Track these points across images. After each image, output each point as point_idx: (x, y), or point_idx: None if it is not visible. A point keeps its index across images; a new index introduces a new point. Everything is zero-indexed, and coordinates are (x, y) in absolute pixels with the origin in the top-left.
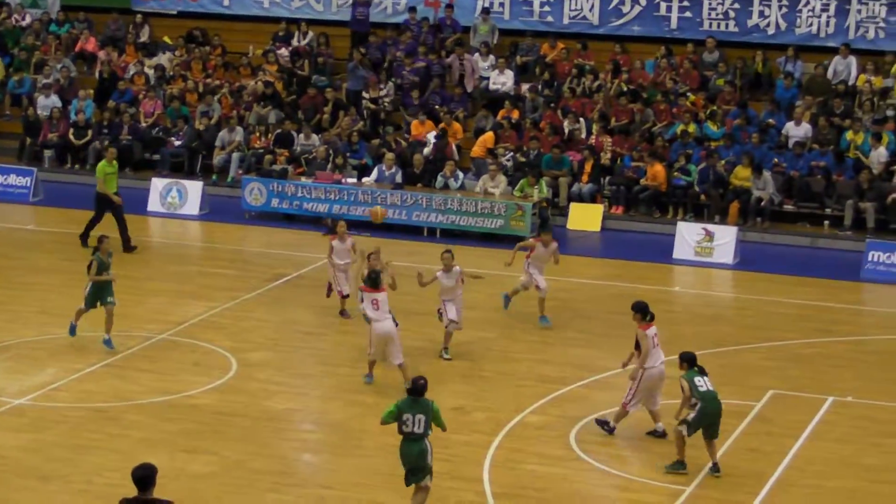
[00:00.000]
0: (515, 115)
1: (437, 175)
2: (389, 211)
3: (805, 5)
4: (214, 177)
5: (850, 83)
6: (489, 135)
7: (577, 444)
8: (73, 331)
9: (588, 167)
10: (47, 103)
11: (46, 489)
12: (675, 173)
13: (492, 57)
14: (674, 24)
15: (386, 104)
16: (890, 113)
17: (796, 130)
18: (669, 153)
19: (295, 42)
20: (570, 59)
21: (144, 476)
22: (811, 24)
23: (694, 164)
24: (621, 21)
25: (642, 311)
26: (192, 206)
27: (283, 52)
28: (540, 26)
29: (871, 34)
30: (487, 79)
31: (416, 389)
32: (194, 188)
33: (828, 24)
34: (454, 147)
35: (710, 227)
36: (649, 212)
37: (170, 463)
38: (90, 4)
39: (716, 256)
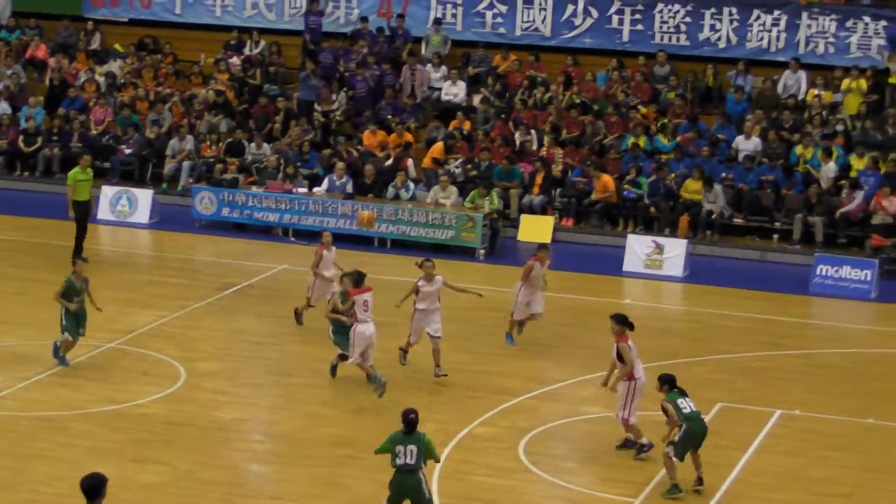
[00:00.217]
0: (467, 126)
1: (389, 185)
2: (340, 221)
3: (756, 20)
4: (165, 185)
5: (800, 97)
6: (438, 145)
7: (526, 456)
8: (63, 360)
9: (539, 179)
10: None
11: None
12: (626, 186)
13: (444, 68)
14: (625, 36)
15: (337, 115)
16: (839, 128)
17: (746, 144)
18: (620, 166)
19: (247, 51)
20: (522, 71)
21: (92, 486)
22: (762, 39)
23: (644, 177)
24: (573, 33)
25: (626, 323)
26: (143, 214)
27: (235, 60)
28: (492, 37)
29: (821, 49)
30: (440, 90)
31: (408, 424)
32: (144, 196)
33: (778, 38)
34: (410, 162)
35: (660, 239)
36: (600, 224)
37: (119, 472)
38: (41, 11)
39: (665, 269)
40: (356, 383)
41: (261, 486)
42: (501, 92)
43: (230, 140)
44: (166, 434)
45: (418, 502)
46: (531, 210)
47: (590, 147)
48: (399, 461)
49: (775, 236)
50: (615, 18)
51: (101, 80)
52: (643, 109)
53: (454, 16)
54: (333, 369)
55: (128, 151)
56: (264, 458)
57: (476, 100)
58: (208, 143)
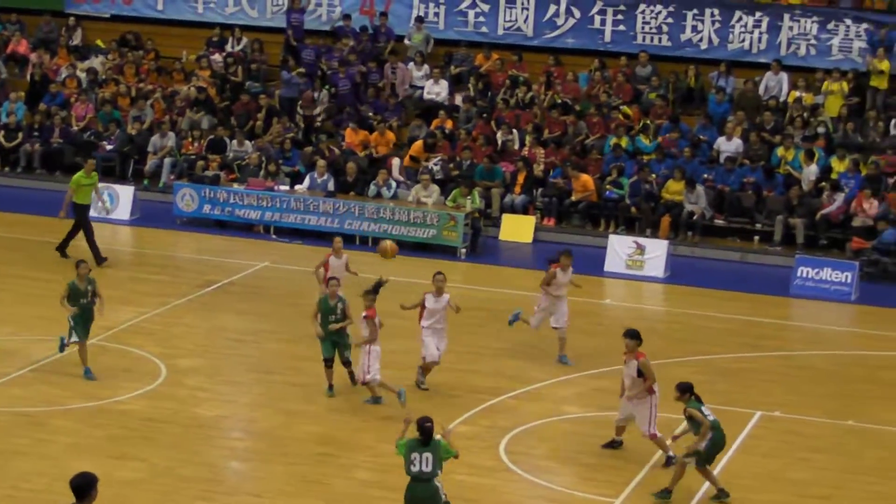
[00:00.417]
0: (449, 125)
1: (370, 184)
2: (322, 219)
3: (738, 21)
4: (146, 182)
5: (782, 99)
6: (417, 144)
7: (507, 455)
8: (88, 373)
9: (521, 178)
10: None
11: None
12: (608, 186)
13: (426, 66)
14: (607, 37)
15: (320, 114)
16: (821, 130)
17: (727, 145)
18: (602, 166)
19: (229, 48)
20: (504, 70)
21: (80, 485)
22: (743, 40)
23: (626, 178)
24: (555, 33)
25: (640, 338)
26: (124, 210)
27: (217, 57)
28: (475, 37)
29: (803, 51)
30: (422, 88)
31: (424, 433)
32: (125, 193)
33: (760, 40)
34: (396, 161)
35: (642, 240)
36: (581, 224)
37: (98, 469)
38: (22, 6)
39: (647, 270)
40: (337, 383)
41: (239, 483)
42: (483, 91)
43: (212, 137)
44: (146, 430)
45: None
46: (513, 209)
47: (571, 147)
48: (414, 469)
49: (756, 238)
50: (597, 19)
51: (83, 75)
52: (626, 109)
53: (436, 14)
54: (351, 376)
55: (109, 148)
56: (243, 456)
57: (458, 99)
58: (190, 139)
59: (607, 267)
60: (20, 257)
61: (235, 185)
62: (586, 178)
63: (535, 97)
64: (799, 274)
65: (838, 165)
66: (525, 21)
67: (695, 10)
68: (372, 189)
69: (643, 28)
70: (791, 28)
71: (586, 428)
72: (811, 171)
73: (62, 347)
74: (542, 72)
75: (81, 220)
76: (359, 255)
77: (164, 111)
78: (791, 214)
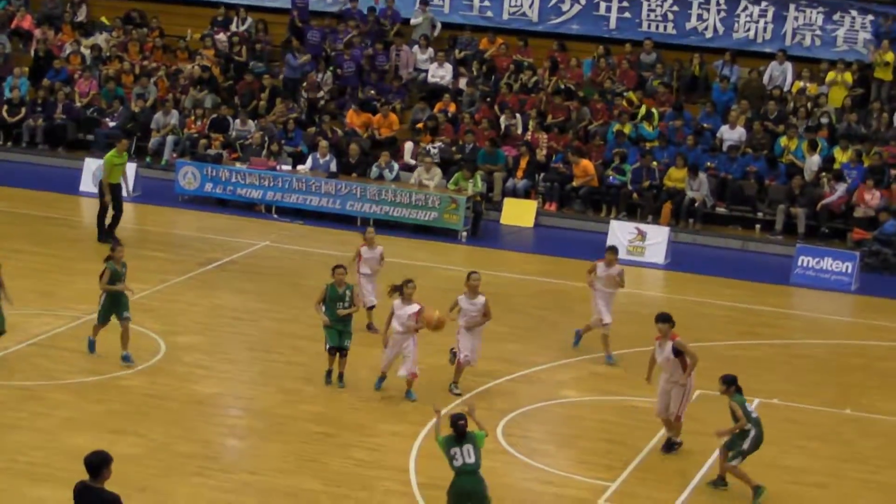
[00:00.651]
0: (452, 108)
1: (372, 165)
2: (323, 200)
3: (743, 10)
4: (148, 159)
5: (786, 89)
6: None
7: (504, 438)
8: (91, 346)
9: (523, 163)
10: None
11: None
12: (610, 173)
13: (430, 49)
14: (612, 24)
15: (324, 95)
16: (824, 120)
17: (731, 134)
18: (605, 152)
19: (233, 27)
20: (508, 55)
21: (94, 462)
22: (749, 29)
23: (629, 164)
24: (560, 19)
25: (672, 321)
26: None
27: (221, 37)
28: (479, 21)
29: (808, 41)
30: (426, 71)
31: (458, 431)
32: (128, 170)
33: (765, 29)
34: (409, 145)
35: (643, 226)
36: (583, 209)
37: (95, 443)
38: None
39: (647, 256)
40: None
41: (236, 460)
42: (487, 75)
43: (215, 116)
44: (144, 406)
45: (479, 502)
46: (514, 194)
47: (574, 133)
48: (457, 463)
49: (757, 226)
50: (602, 5)
51: (87, 52)
52: (631, 94)
53: None
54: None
55: (112, 124)
56: (241, 433)
57: (462, 82)
58: (193, 118)
59: None
60: (21, 232)
61: (238, 165)
62: (587, 164)
63: (539, 82)
64: (799, 263)
65: (841, 156)
66: (530, 6)
67: None
68: (374, 171)
69: (648, 15)
70: (796, 18)
71: (584, 412)
72: (814, 162)
73: (92, 346)
74: (546, 57)
75: (114, 198)
76: (360, 237)
77: (168, 89)
78: (793, 204)
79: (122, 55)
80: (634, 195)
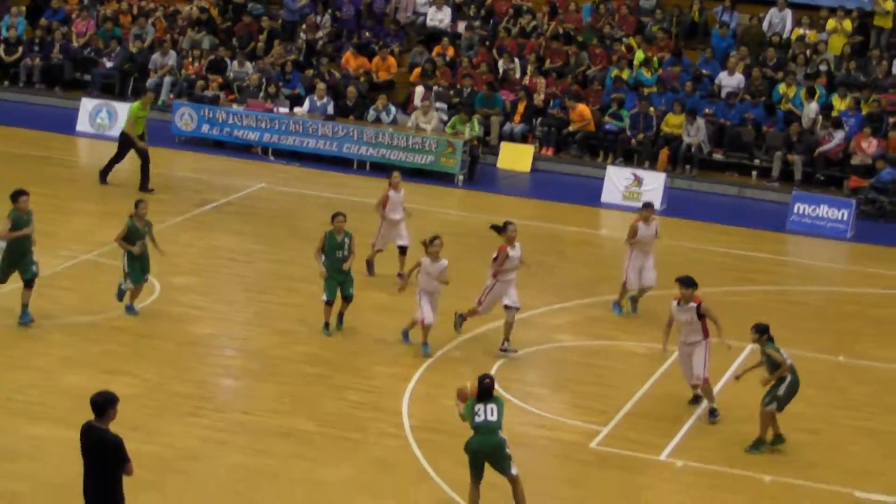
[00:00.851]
0: (451, 52)
1: (370, 108)
2: (320, 142)
3: None
4: None
5: (785, 36)
6: (415, 71)
7: (498, 382)
8: (131, 309)
9: (521, 108)
10: None
11: None
12: (607, 118)
13: None
14: None
15: (323, 37)
16: (823, 68)
17: (729, 80)
18: (602, 97)
19: None
20: None
21: (100, 402)
22: None
23: (626, 110)
24: None
25: (695, 284)
26: (121, 128)
27: None
28: None
29: None
30: (425, 15)
31: (484, 390)
32: (124, 110)
33: None
34: (420, 89)
35: (640, 172)
36: (579, 154)
37: (91, 383)
38: None
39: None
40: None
41: (230, 400)
42: (486, 19)
43: (212, 57)
44: (139, 347)
45: (500, 465)
46: (511, 138)
47: (573, 77)
48: (479, 419)
49: (754, 173)
50: None
51: None
52: (631, 40)
53: None
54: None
55: (109, 65)
56: (235, 374)
57: (461, 26)
58: (190, 59)
59: (604, 198)
60: (19, 171)
61: (235, 106)
62: (583, 108)
63: (537, 27)
64: (795, 210)
65: (839, 103)
66: None
67: None
68: (371, 114)
69: None
70: None
71: (578, 356)
72: (812, 109)
73: (120, 295)
74: (545, 2)
75: (124, 148)
76: (356, 179)
77: (166, 30)
78: (790, 151)
79: None
80: (632, 141)
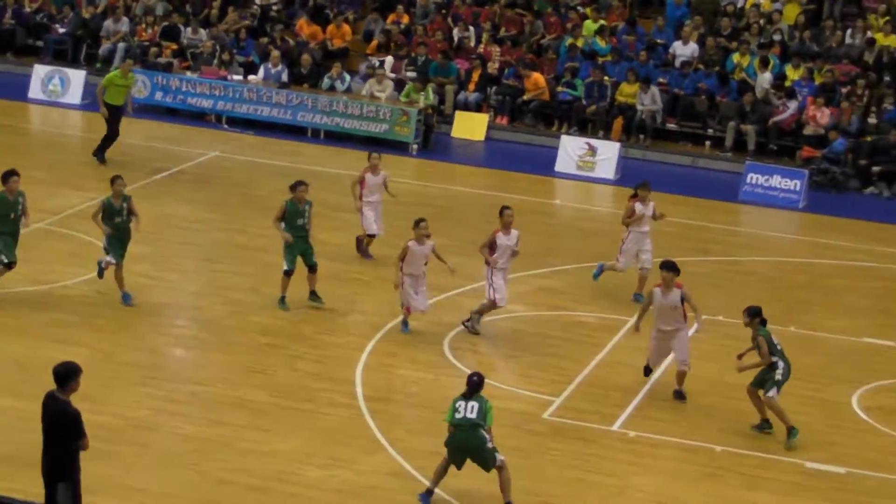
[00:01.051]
0: (406, 20)
1: (324, 76)
2: (274, 110)
3: None
4: (99, 66)
5: (739, 5)
6: (372, 44)
7: (451, 352)
8: (126, 299)
9: (475, 76)
10: None
11: None
12: (561, 87)
13: None
14: None
15: (277, 4)
16: (776, 37)
17: (683, 50)
18: (557, 66)
19: None
20: None
21: (60, 372)
22: None
23: (580, 79)
24: None
25: (678, 270)
26: (74, 95)
27: None
28: None
29: None
30: None
31: (470, 386)
32: (77, 77)
33: None
34: (390, 59)
35: (594, 141)
36: (534, 124)
37: (41, 353)
38: None
39: (598, 171)
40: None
41: (182, 370)
42: None
43: (166, 24)
44: (90, 316)
45: (483, 463)
46: (466, 107)
47: (527, 46)
48: (459, 415)
49: (707, 143)
50: None
51: None
52: (586, 9)
53: None
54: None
55: (62, 31)
56: (187, 344)
57: None
58: (144, 25)
59: (558, 167)
60: None
61: (188, 73)
62: (537, 77)
63: None
64: (748, 180)
65: (792, 73)
66: None
67: None
68: (326, 82)
69: None
70: None
71: (530, 326)
72: (765, 79)
73: (100, 272)
74: None
75: (112, 120)
76: (310, 147)
77: None
78: (743, 121)
79: None
80: (586, 110)
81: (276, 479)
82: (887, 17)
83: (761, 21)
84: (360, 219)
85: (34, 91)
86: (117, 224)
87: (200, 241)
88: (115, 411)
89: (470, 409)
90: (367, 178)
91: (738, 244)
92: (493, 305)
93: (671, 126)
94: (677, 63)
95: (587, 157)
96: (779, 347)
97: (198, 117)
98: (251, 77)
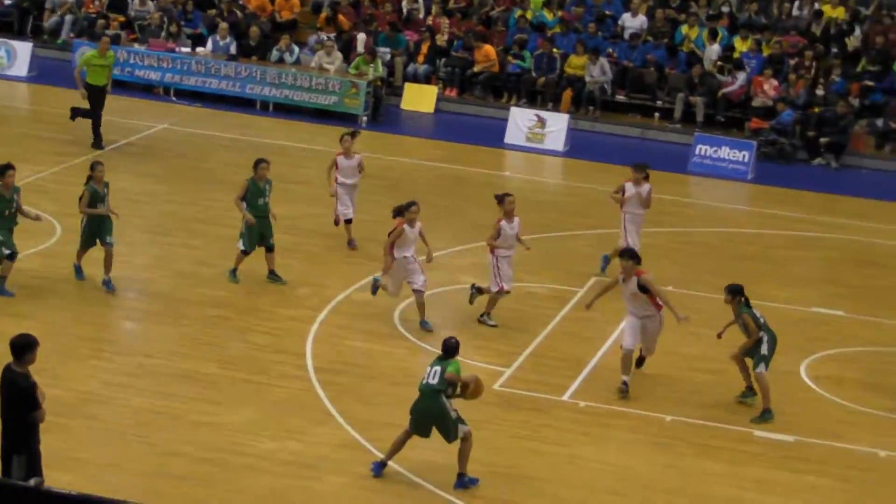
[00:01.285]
0: None
1: (273, 48)
2: (223, 82)
3: None
4: (45, 38)
5: None
6: (321, 16)
7: (401, 323)
8: (79, 273)
9: (424, 48)
10: None
11: None
12: (510, 59)
13: None
14: None
15: None
16: (725, 9)
17: (632, 22)
18: (506, 38)
19: None
20: None
21: (19, 344)
22: None
23: (529, 51)
24: None
25: (637, 258)
26: (21, 67)
27: None
28: None
29: None
30: None
31: (445, 348)
32: (23, 49)
33: None
34: (362, 36)
35: (543, 113)
36: (483, 96)
37: None
38: None
39: (547, 143)
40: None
41: (132, 343)
42: None
43: None
44: (39, 290)
45: (444, 432)
46: (415, 79)
47: (477, 18)
48: (423, 382)
49: (657, 115)
50: None
51: None
52: None
53: None
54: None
55: (7, 2)
56: (137, 316)
57: None
58: None
59: (507, 139)
60: None
61: (136, 46)
62: (488, 49)
63: None
64: (697, 152)
65: (741, 45)
66: None
67: None
68: (274, 54)
69: None
70: None
71: (481, 298)
72: (713, 51)
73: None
74: None
75: (93, 101)
76: (259, 119)
77: None
78: (692, 92)
79: None
80: (536, 82)
81: (227, 450)
82: None
83: None
84: (335, 204)
85: None
86: (102, 209)
87: (149, 214)
88: (66, 385)
89: (432, 375)
90: (339, 162)
91: (687, 215)
92: (500, 293)
93: (620, 98)
94: (626, 35)
95: (536, 128)
96: (762, 321)
97: (146, 90)
98: (199, 49)
